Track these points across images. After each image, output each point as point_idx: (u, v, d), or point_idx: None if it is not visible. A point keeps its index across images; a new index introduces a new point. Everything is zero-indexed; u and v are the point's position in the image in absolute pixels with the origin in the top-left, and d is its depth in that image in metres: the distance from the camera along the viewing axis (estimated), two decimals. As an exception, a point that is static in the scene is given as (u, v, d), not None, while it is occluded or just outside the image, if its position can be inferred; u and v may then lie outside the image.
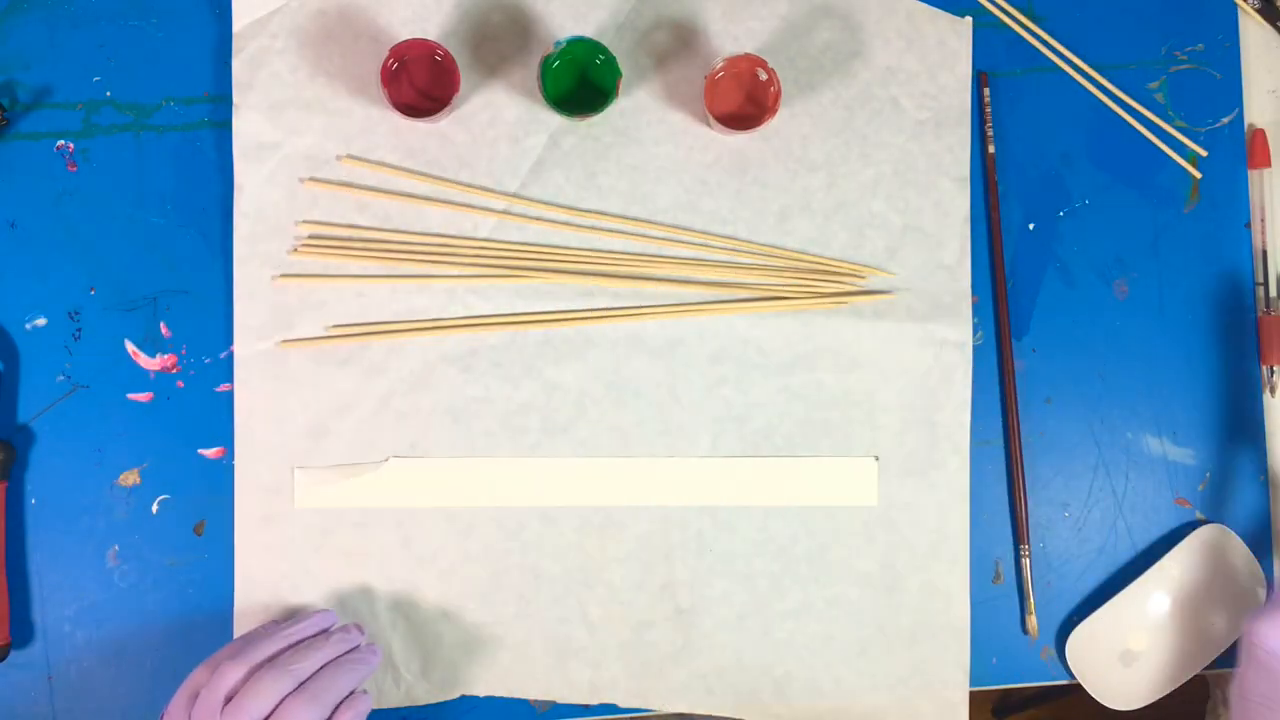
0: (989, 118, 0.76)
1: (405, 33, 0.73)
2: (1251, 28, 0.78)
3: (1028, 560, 0.74)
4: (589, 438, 0.73)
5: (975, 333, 0.75)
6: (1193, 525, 0.76)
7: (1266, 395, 0.77)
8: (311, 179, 0.72)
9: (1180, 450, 0.76)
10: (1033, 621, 0.74)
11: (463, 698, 0.73)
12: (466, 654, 0.72)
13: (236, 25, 0.72)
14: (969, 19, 0.76)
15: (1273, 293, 0.77)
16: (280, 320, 0.72)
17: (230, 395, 0.72)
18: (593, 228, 0.73)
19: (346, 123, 0.73)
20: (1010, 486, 0.75)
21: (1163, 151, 0.77)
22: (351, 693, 0.62)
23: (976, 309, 0.76)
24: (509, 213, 0.73)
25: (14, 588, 0.71)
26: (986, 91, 0.76)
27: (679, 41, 0.74)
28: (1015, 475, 0.75)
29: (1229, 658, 0.75)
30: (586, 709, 0.73)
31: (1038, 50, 0.77)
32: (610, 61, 0.70)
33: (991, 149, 0.76)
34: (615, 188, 0.74)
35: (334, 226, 0.72)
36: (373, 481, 0.72)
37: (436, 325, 0.73)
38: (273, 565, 0.72)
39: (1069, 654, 0.74)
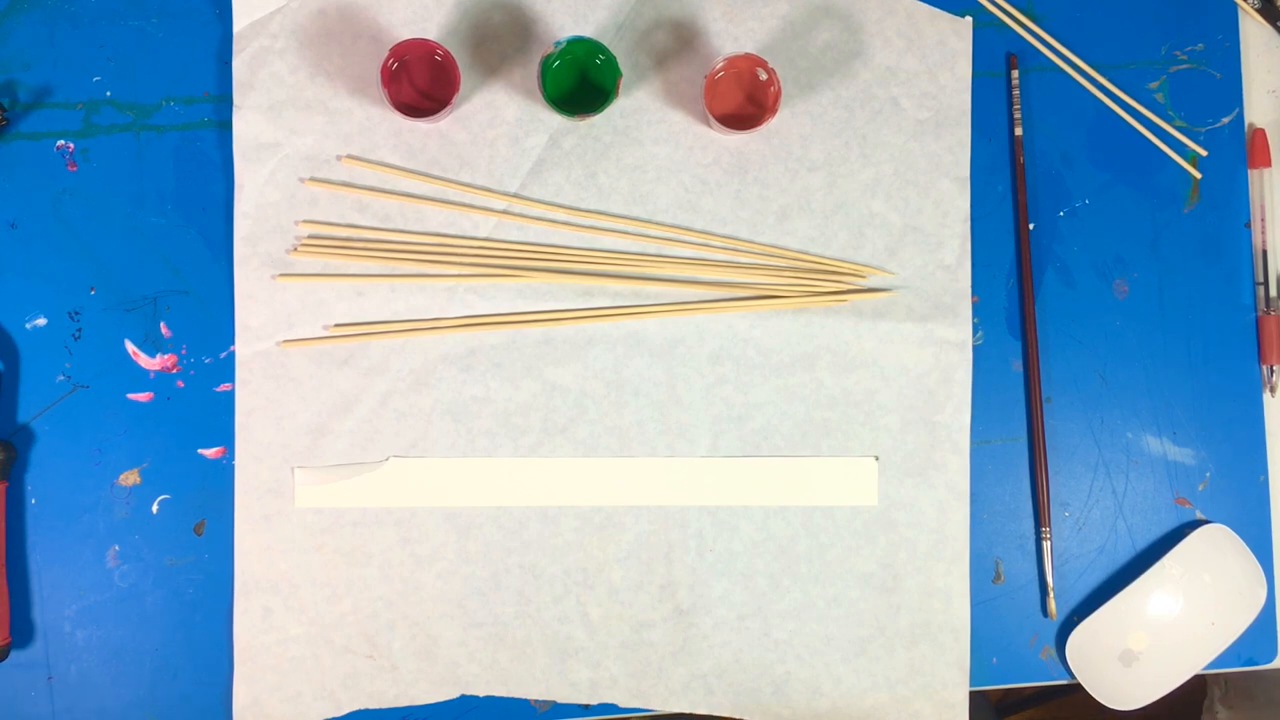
0: (1017, 99, 0.76)
1: (405, 33, 0.73)
2: (1251, 28, 0.78)
3: (1049, 543, 0.74)
4: (589, 438, 0.73)
5: (975, 333, 0.76)
6: (1193, 525, 0.76)
7: (1266, 395, 0.77)
8: (312, 179, 0.72)
9: (1180, 450, 0.76)
10: (1053, 604, 0.74)
11: (463, 698, 0.73)
12: (466, 654, 0.72)
13: (237, 25, 0.72)
14: (969, 19, 0.76)
15: (1273, 293, 0.77)
16: (280, 320, 0.72)
17: (230, 395, 0.72)
18: (593, 228, 0.73)
19: (346, 123, 0.73)
20: (1031, 465, 0.75)
21: (1163, 151, 0.77)
22: None
23: (978, 308, 0.76)
24: (509, 213, 0.73)
25: (14, 588, 0.71)
26: (1015, 74, 0.76)
27: (679, 41, 0.74)
28: (1037, 453, 0.75)
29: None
30: (586, 709, 0.73)
31: (1038, 50, 0.77)
32: (610, 61, 0.70)
33: (1019, 131, 0.76)
34: (615, 188, 0.74)
35: (334, 226, 0.72)
36: (373, 481, 0.72)
37: (436, 325, 0.73)
38: (273, 565, 0.72)
39: (1069, 654, 0.74)
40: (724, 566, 0.73)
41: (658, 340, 0.73)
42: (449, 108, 0.69)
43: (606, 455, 0.73)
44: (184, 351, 0.72)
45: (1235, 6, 0.78)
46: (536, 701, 0.73)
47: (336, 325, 0.72)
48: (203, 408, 0.72)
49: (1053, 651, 0.75)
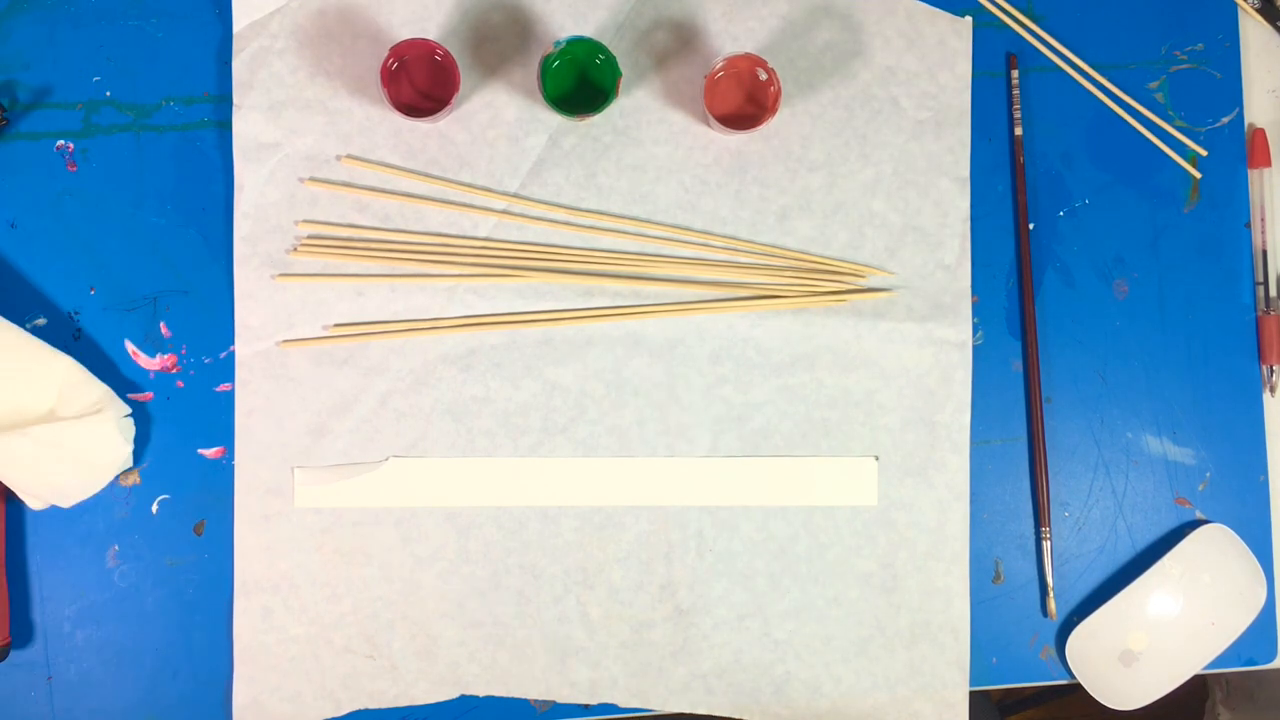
0: (1017, 99, 0.76)
1: (405, 33, 0.73)
2: (1251, 28, 0.78)
3: (1048, 543, 0.74)
4: (589, 438, 0.73)
5: (975, 333, 0.76)
6: (1193, 525, 0.76)
7: (1266, 395, 0.77)
8: (311, 179, 0.72)
9: (1180, 450, 0.76)
10: (1053, 604, 0.74)
11: (463, 698, 0.73)
12: (466, 654, 0.72)
13: (236, 25, 0.72)
14: (969, 19, 0.76)
15: (1273, 293, 0.77)
16: (280, 320, 0.72)
17: (230, 395, 0.72)
18: (593, 228, 0.73)
19: (346, 123, 0.73)
20: (1031, 465, 0.75)
21: (1163, 151, 0.77)
22: None
23: (978, 308, 0.76)
24: (509, 213, 0.73)
25: (14, 588, 0.71)
26: (1015, 74, 0.76)
27: (679, 41, 0.74)
28: (1037, 453, 0.75)
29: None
30: (586, 709, 0.73)
31: (1038, 50, 0.77)
32: (610, 61, 0.70)
33: (1019, 131, 0.76)
34: (615, 188, 0.74)
35: (334, 226, 0.72)
36: (373, 481, 0.72)
37: (436, 325, 0.73)
38: (273, 565, 0.72)
39: (1069, 654, 0.74)
40: (724, 566, 0.73)
41: (657, 340, 0.73)
42: (449, 108, 0.69)
43: (606, 455, 0.73)
44: (184, 351, 0.72)
45: (1235, 6, 0.78)
46: (536, 701, 0.73)
47: (336, 325, 0.72)
48: (202, 408, 0.72)
49: (1053, 651, 0.75)
